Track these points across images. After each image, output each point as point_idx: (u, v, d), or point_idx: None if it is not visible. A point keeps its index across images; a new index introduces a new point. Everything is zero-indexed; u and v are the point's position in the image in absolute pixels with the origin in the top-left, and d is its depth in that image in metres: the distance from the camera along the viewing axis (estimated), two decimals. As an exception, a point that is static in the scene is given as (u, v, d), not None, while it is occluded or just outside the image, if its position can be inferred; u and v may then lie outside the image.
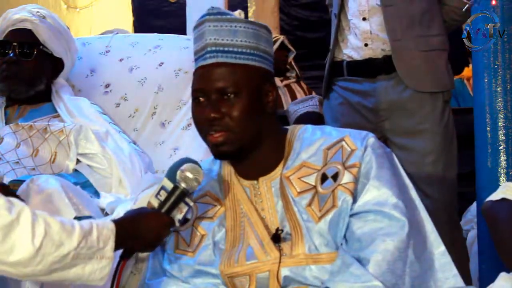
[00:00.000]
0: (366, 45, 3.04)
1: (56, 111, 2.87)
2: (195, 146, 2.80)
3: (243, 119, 1.89)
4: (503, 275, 2.01)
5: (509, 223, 2.20)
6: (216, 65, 1.90)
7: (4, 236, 1.60)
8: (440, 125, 2.99)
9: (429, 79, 2.99)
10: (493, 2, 2.55)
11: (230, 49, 1.90)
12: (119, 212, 2.36)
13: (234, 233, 1.94)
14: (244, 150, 1.93)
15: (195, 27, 1.96)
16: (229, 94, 1.89)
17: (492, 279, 2.03)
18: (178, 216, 1.89)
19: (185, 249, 1.96)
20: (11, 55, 2.82)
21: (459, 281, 1.87)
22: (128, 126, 3.01)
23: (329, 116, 3.19)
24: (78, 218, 2.21)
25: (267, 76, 1.95)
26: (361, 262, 1.80)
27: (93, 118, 2.86)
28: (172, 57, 3.08)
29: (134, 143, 2.91)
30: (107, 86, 3.09)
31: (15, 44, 2.83)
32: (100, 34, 4.22)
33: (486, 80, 2.61)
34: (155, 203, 1.88)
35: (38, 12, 2.90)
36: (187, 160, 1.92)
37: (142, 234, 1.82)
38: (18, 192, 2.30)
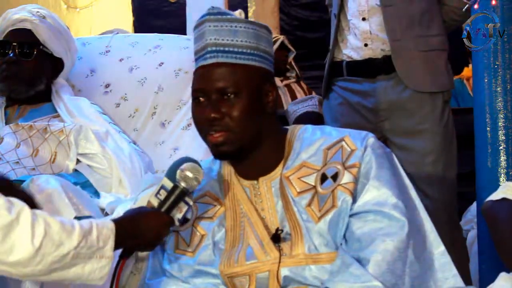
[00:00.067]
0: (365, 45, 3.04)
1: (56, 111, 2.87)
2: (195, 146, 2.80)
3: (243, 119, 1.89)
4: (503, 275, 2.01)
5: (509, 223, 2.20)
6: (216, 65, 1.90)
7: (4, 236, 1.60)
8: (440, 125, 2.99)
9: (429, 79, 2.99)
10: (493, 2, 2.55)
11: (231, 49, 1.90)
12: (119, 212, 2.36)
13: (234, 233, 1.94)
14: (244, 150, 1.93)
15: (195, 27, 1.96)
16: (229, 94, 1.89)
17: (492, 279, 2.03)
18: (178, 215, 1.89)
19: (185, 249, 1.96)
20: (11, 55, 2.82)
21: (459, 281, 1.87)
22: (128, 126, 3.01)
23: (329, 116, 3.19)
24: (78, 218, 2.21)
25: (267, 76, 1.95)
26: (361, 262, 1.80)
27: (93, 118, 2.86)
28: (172, 57, 3.08)
29: (134, 143, 2.91)
30: (107, 86, 3.09)
31: (15, 44, 2.83)
32: (100, 34, 4.22)
33: (486, 80, 2.61)
34: (155, 203, 1.88)
35: (38, 12, 2.90)
36: (187, 159, 1.92)
37: (142, 233, 1.82)
38: (18, 192, 2.30)
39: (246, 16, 1.99)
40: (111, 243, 1.73)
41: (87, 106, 2.90)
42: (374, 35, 3.03)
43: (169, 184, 1.88)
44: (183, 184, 1.88)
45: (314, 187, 1.90)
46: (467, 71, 6.05)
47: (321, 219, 1.87)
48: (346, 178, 1.87)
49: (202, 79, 1.92)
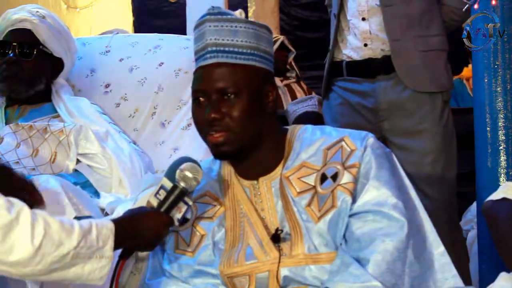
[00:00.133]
0: (365, 45, 3.04)
1: (56, 111, 2.87)
2: (195, 146, 2.80)
3: (243, 119, 1.89)
4: (503, 275, 2.01)
5: (509, 223, 2.20)
6: (216, 65, 1.90)
7: (4, 236, 1.60)
8: (440, 125, 2.99)
9: (429, 79, 2.99)
10: (493, 2, 2.55)
11: (231, 49, 1.90)
12: (119, 212, 2.36)
13: (234, 233, 1.94)
14: (244, 150, 1.93)
15: (196, 27, 1.96)
16: (229, 95, 1.89)
17: (492, 279, 2.03)
18: (177, 215, 1.89)
19: (184, 249, 1.96)
20: (11, 55, 2.82)
21: (459, 281, 1.87)
22: (128, 126, 3.01)
23: (329, 117, 3.19)
24: (78, 218, 2.21)
25: (267, 76, 1.95)
26: (361, 262, 1.80)
27: (93, 118, 2.86)
28: (172, 57, 3.08)
29: (134, 143, 2.91)
30: (107, 86, 3.09)
31: (14, 44, 2.83)
32: (100, 34, 4.22)
33: (486, 80, 2.61)
34: (154, 203, 1.88)
35: (37, 12, 2.90)
36: (186, 160, 1.92)
37: (141, 233, 1.82)
38: (18, 192, 2.30)
39: (246, 16, 1.99)
40: (110, 243, 1.73)
41: (87, 106, 2.90)
42: (373, 35, 3.03)
43: (168, 184, 1.88)
44: (182, 184, 1.88)
45: (314, 187, 1.90)
46: (466, 71, 6.05)
47: (320, 219, 1.87)
48: (345, 178, 1.87)
49: (202, 80, 1.91)
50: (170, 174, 1.90)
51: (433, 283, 1.85)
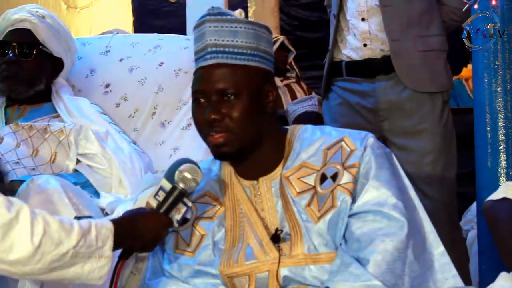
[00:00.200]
0: (365, 45, 3.04)
1: (56, 111, 2.86)
2: (195, 146, 2.80)
3: (243, 120, 1.89)
4: (503, 275, 2.01)
5: (509, 222, 2.20)
6: (216, 66, 1.89)
7: (3, 234, 1.60)
8: (439, 125, 2.99)
9: (428, 79, 2.99)
10: (493, 2, 2.55)
11: (231, 50, 1.90)
12: (119, 212, 2.36)
13: (234, 233, 1.94)
14: (244, 151, 1.93)
15: (195, 27, 1.96)
16: (229, 95, 1.88)
17: (492, 279, 2.03)
18: (177, 216, 1.89)
19: (184, 249, 1.96)
20: (11, 55, 2.82)
21: (459, 281, 1.87)
22: (128, 126, 3.01)
23: (328, 117, 3.19)
24: (78, 218, 2.20)
25: (267, 77, 1.95)
26: (361, 262, 1.80)
27: (93, 118, 2.86)
28: (172, 57, 3.08)
29: (134, 143, 2.91)
30: (107, 86, 3.09)
31: (14, 44, 2.83)
32: (100, 34, 4.22)
33: (486, 80, 2.61)
34: (154, 204, 1.88)
35: (37, 12, 2.89)
36: (185, 161, 1.92)
37: (141, 233, 1.82)
38: (18, 192, 2.30)
39: (246, 16, 1.99)
40: (110, 242, 1.73)
41: (87, 106, 2.90)
42: (373, 35, 3.03)
43: (167, 185, 1.88)
44: (181, 185, 1.88)
45: (314, 187, 1.90)
46: (465, 72, 6.05)
47: (320, 219, 1.87)
48: (345, 178, 1.87)
49: (202, 80, 1.91)
50: (169, 175, 1.90)
51: (433, 283, 1.85)
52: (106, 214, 2.49)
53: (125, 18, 7.74)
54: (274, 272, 1.87)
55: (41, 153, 2.72)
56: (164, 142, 2.97)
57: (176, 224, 1.90)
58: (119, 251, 1.82)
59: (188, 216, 1.94)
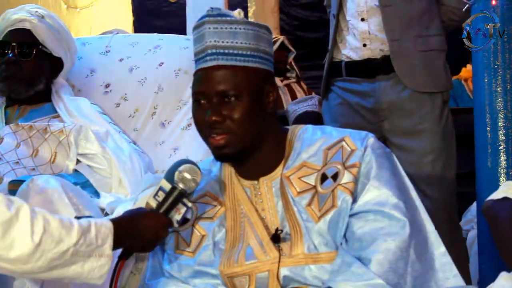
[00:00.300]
0: (364, 45, 3.04)
1: (56, 111, 2.86)
2: (195, 146, 2.80)
3: (244, 121, 1.89)
4: (503, 275, 2.01)
5: (510, 222, 2.20)
6: (216, 67, 1.89)
7: (4, 232, 1.60)
8: (439, 125, 2.99)
9: (428, 79, 2.99)
10: (493, 2, 2.54)
11: (231, 51, 1.89)
12: (119, 212, 2.36)
13: (234, 233, 1.94)
14: (245, 152, 1.93)
15: (195, 28, 1.95)
16: (230, 97, 1.88)
17: (492, 279, 2.03)
18: (176, 217, 1.89)
19: (185, 249, 1.96)
20: (11, 55, 2.82)
21: (460, 281, 1.87)
22: (128, 126, 3.01)
23: (328, 117, 3.19)
24: (78, 218, 2.20)
25: (267, 77, 1.95)
26: (362, 261, 1.80)
27: (93, 118, 2.86)
28: (172, 57, 3.08)
29: (134, 143, 2.91)
30: (107, 86, 3.09)
31: (14, 44, 2.83)
32: (100, 34, 4.22)
33: (486, 80, 2.61)
34: (153, 204, 1.88)
35: (37, 12, 2.89)
36: (185, 161, 1.92)
37: (140, 233, 1.82)
38: (18, 192, 2.30)
39: (246, 16, 1.98)
40: (109, 241, 1.73)
41: (87, 106, 2.90)
42: (373, 35, 3.03)
43: (167, 186, 1.89)
44: (181, 186, 1.88)
45: (314, 187, 1.90)
46: (464, 72, 6.05)
47: (321, 218, 1.86)
48: (346, 178, 1.87)
49: (202, 82, 1.91)
50: (169, 176, 1.90)
51: (434, 282, 1.85)
52: (106, 214, 2.49)
53: (125, 18, 7.74)
54: (274, 272, 1.87)
55: (41, 153, 2.72)
56: (164, 142, 2.97)
57: (176, 224, 1.90)
58: (119, 251, 1.83)
59: (188, 216, 1.94)
